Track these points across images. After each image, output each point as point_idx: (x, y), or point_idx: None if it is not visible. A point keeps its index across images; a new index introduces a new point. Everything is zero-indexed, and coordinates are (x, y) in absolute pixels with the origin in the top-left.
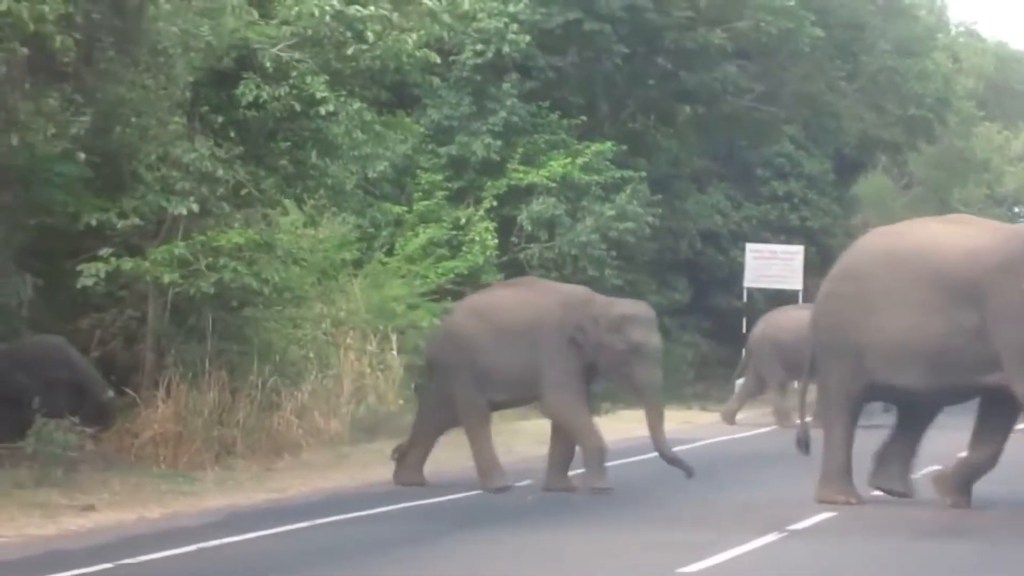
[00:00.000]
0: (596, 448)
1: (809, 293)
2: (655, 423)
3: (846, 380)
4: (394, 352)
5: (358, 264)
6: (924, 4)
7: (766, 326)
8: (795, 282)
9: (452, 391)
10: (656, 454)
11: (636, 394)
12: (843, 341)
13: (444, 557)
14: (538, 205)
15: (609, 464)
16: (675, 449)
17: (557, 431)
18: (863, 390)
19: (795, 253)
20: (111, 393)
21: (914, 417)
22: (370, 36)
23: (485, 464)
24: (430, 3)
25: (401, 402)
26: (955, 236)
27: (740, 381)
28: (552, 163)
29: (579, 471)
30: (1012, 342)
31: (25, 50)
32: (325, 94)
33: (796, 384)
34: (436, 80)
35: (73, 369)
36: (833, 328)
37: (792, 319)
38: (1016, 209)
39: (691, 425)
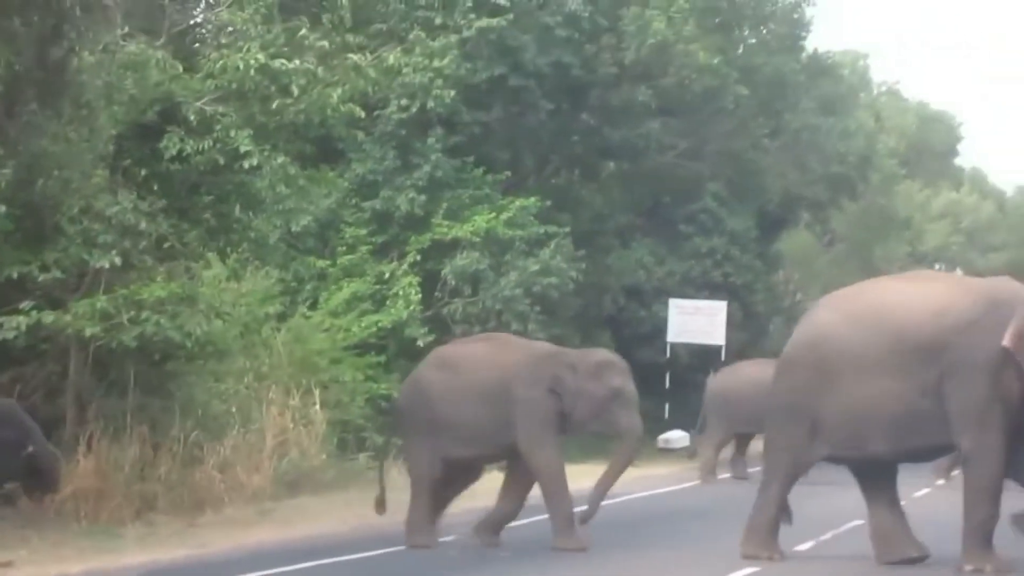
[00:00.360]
0: (568, 512)
1: (731, 348)
2: (616, 467)
3: (798, 447)
4: (317, 407)
5: (281, 318)
6: (847, 64)
7: (721, 379)
8: (718, 337)
9: (408, 439)
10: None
11: (618, 438)
12: (802, 409)
13: None
14: (462, 260)
15: (531, 520)
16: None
17: (512, 488)
18: (814, 459)
19: (718, 308)
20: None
21: (878, 480)
22: (295, 90)
23: (412, 519)
24: (356, 58)
25: (324, 457)
26: (918, 295)
27: (700, 435)
28: (476, 218)
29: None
30: (964, 398)
31: None
32: (249, 148)
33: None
34: (361, 134)
35: (21, 431)
36: (793, 393)
37: (744, 375)
38: (937, 267)
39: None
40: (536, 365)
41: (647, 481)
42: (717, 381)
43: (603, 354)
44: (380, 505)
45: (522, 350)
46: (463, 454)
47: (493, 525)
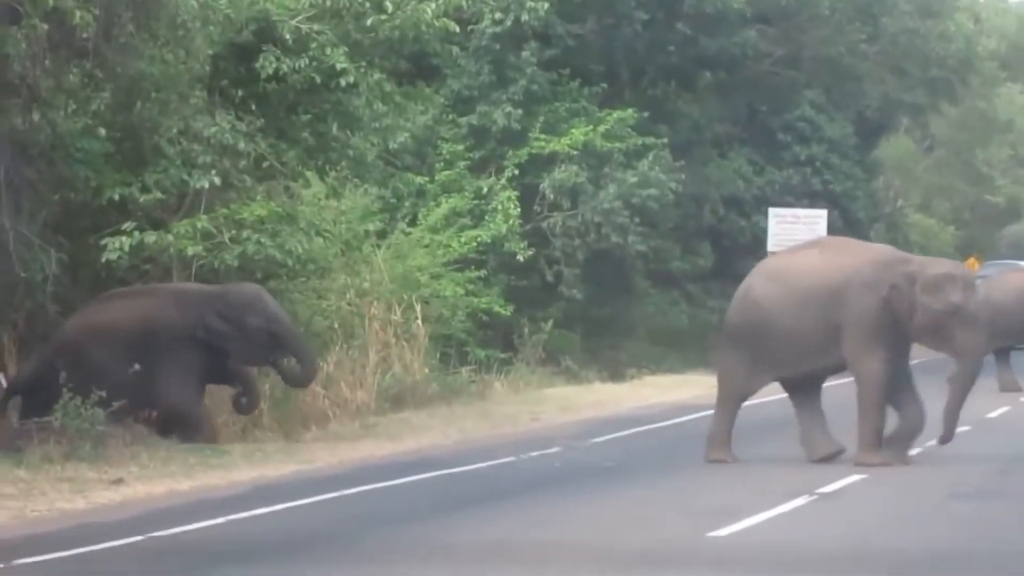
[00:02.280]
0: (878, 427)
1: None
2: (958, 390)
3: None
4: (419, 322)
5: (381, 235)
6: None
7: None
8: None
9: (729, 352)
10: (680, 420)
11: (955, 357)
12: None
13: (474, 525)
14: (560, 173)
15: (636, 430)
16: (701, 415)
17: (907, 398)
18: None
19: (818, 217)
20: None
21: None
22: (389, 6)
23: (714, 433)
24: None
25: (427, 371)
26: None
27: None
28: (574, 131)
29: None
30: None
31: (45, 26)
32: (345, 65)
33: None
34: (455, 50)
35: (270, 320)
36: None
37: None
38: None
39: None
40: (872, 271)
41: None
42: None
43: (947, 266)
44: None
45: (858, 255)
46: (796, 368)
47: (902, 440)
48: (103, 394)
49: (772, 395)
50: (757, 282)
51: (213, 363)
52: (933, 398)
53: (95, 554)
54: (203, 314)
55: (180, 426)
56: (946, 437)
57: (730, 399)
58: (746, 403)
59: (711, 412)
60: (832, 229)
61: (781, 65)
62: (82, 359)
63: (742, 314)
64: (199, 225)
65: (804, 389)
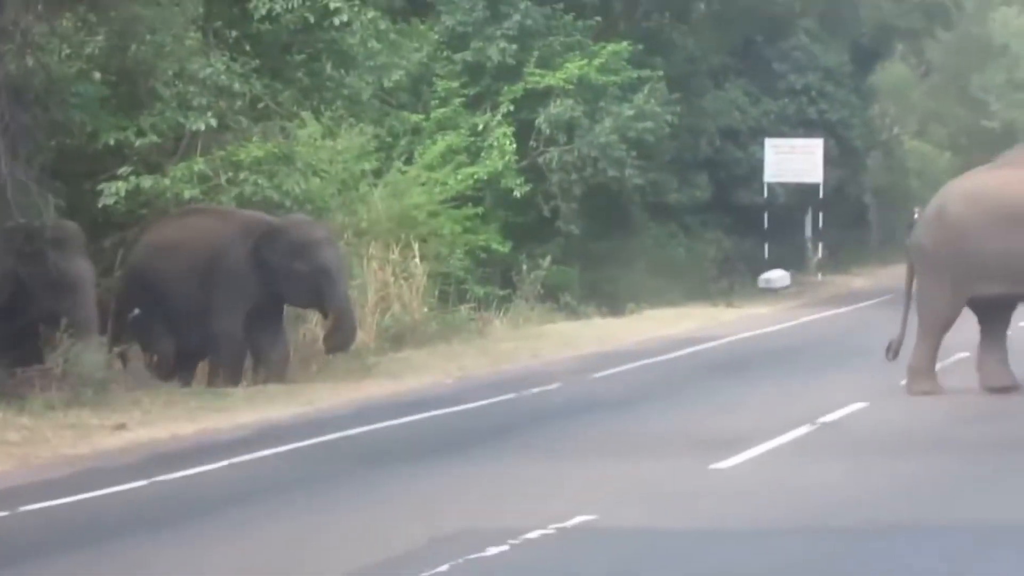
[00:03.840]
0: None
1: (829, 185)
2: None
3: None
4: (417, 260)
5: (378, 174)
6: None
7: None
8: (816, 175)
9: (925, 279)
10: (680, 353)
11: None
12: None
13: (477, 462)
14: (556, 108)
15: (636, 364)
16: (701, 347)
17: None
18: None
19: (815, 146)
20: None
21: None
22: None
23: (916, 364)
24: None
25: (426, 310)
26: None
27: None
28: (568, 65)
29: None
30: None
31: None
32: (339, 4)
33: None
34: None
35: (316, 271)
36: None
37: None
38: None
39: (717, 322)
40: None
41: (747, 322)
42: None
43: None
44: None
45: None
46: (992, 290)
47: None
48: (103, 339)
49: (761, 328)
50: (951, 204)
51: (269, 290)
52: None
53: (99, 499)
54: (260, 246)
55: (218, 354)
56: None
57: (934, 328)
58: (739, 335)
59: (710, 344)
60: (828, 158)
61: None
62: (147, 279)
63: (937, 238)
64: (196, 168)
65: (994, 315)
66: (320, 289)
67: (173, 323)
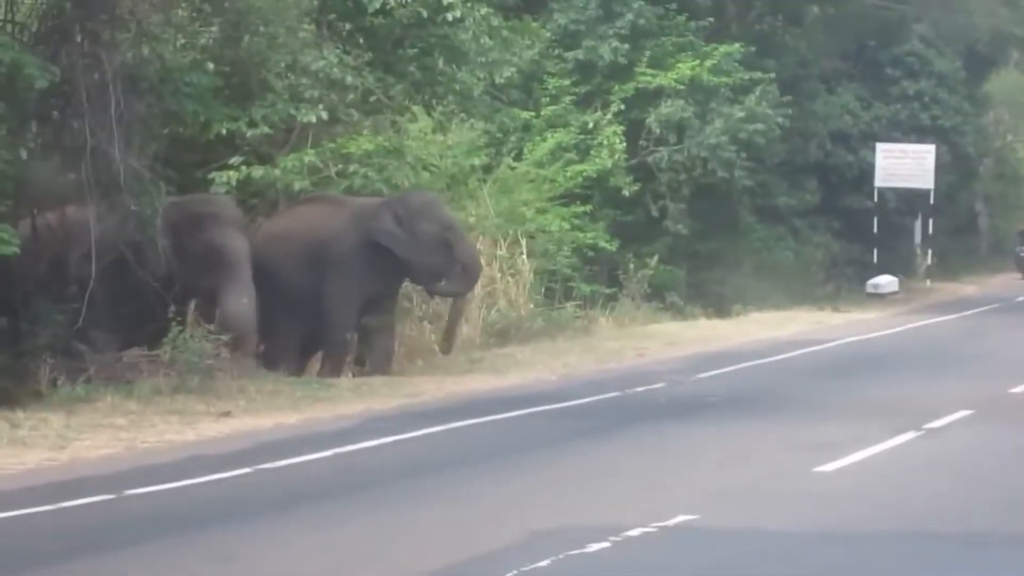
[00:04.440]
0: None
1: (941, 191)
2: None
3: None
4: (524, 257)
5: (487, 169)
6: None
7: None
8: (927, 180)
9: None
10: (786, 356)
11: None
12: None
13: (579, 458)
14: (666, 108)
15: (741, 366)
16: (807, 351)
17: None
18: None
19: (926, 152)
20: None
21: None
22: None
23: None
24: None
25: (532, 306)
26: None
27: None
28: (680, 66)
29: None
30: None
31: None
32: (452, 0)
33: None
34: None
35: (444, 227)
36: None
37: None
38: None
39: (823, 326)
40: None
41: (855, 326)
42: None
43: None
44: None
45: None
46: None
47: None
48: (211, 328)
49: (867, 333)
50: None
51: (381, 279)
52: None
53: (203, 486)
54: (379, 218)
55: (329, 345)
56: None
57: None
58: (845, 340)
59: (816, 348)
60: (940, 164)
61: None
62: (264, 267)
63: None
64: (306, 159)
65: None
66: (450, 245)
67: (288, 312)
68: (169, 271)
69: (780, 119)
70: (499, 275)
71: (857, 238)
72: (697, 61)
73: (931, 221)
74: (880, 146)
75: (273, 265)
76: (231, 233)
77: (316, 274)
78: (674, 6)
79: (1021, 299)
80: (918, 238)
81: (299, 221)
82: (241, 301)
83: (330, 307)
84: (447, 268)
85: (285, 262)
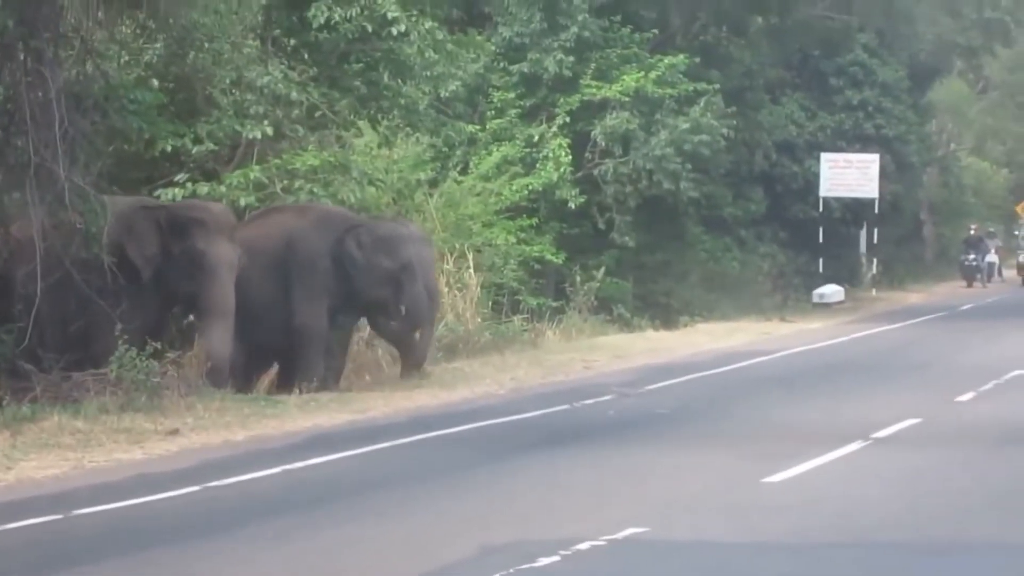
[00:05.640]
0: None
1: (885, 200)
2: None
3: None
4: (471, 270)
5: (433, 183)
6: None
7: None
8: (872, 190)
9: None
10: (733, 367)
11: None
12: None
13: (526, 474)
14: (612, 120)
15: (689, 377)
16: (754, 361)
17: None
18: None
19: (871, 161)
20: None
21: None
22: None
23: None
24: None
25: (479, 320)
26: None
27: None
28: (625, 77)
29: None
30: None
31: None
32: (396, 14)
33: None
34: None
35: (401, 268)
36: None
37: None
38: None
39: (770, 336)
40: None
41: (801, 337)
42: None
43: None
44: None
45: None
46: None
47: None
48: (158, 345)
49: (814, 343)
50: None
51: (344, 293)
52: None
53: (152, 504)
54: (345, 241)
55: (300, 348)
56: None
57: None
58: (792, 350)
59: (763, 358)
60: (885, 173)
61: (833, 9)
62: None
63: None
64: (252, 175)
65: None
66: (399, 284)
67: (247, 323)
68: (116, 288)
69: (725, 130)
70: (446, 289)
71: (803, 248)
72: (642, 73)
73: (876, 230)
74: (825, 156)
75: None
76: (217, 240)
77: (280, 280)
78: (619, 18)
79: (966, 307)
80: (863, 247)
81: (260, 229)
82: (223, 338)
83: (301, 311)
84: (392, 306)
85: (246, 271)
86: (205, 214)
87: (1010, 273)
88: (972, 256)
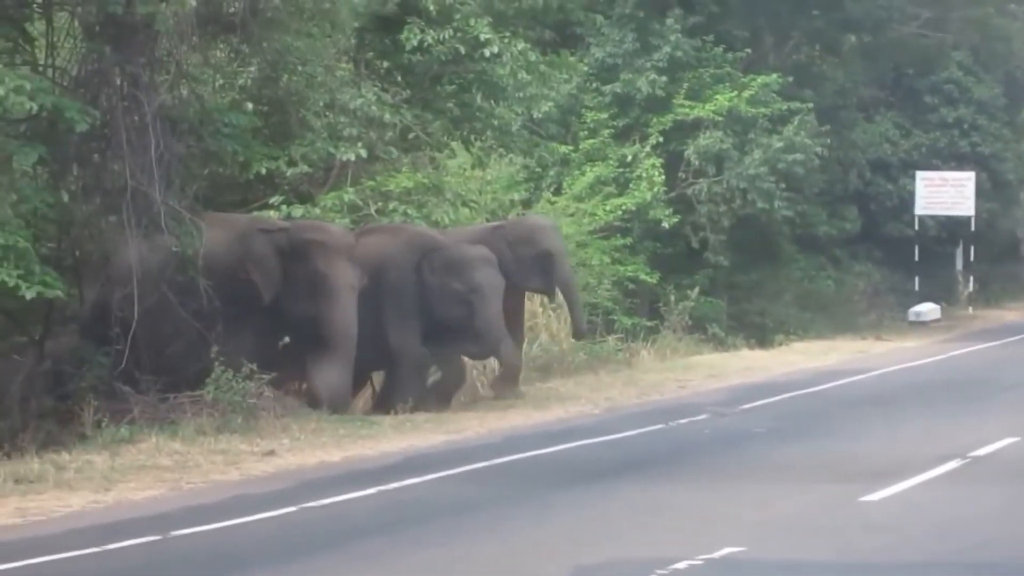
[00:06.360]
0: None
1: (981, 218)
2: None
3: None
4: None
5: (526, 204)
6: None
7: None
8: (967, 208)
9: None
10: (829, 385)
11: None
12: None
13: (620, 494)
14: (705, 139)
15: (784, 396)
16: (850, 380)
17: None
18: None
19: (966, 179)
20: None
21: None
22: None
23: None
24: None
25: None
26: None
27: None
28: (718, 97)
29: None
30: None
31: (193, 2)
32: (489, 36)
33: None
34: (599, 18)
35: (471, 290)
36: None
37: None
38: None
39: (865, 355)
40: None
41: (898, 355)
42: None
43: None
44: None
45: None
46: None
47: None
48: (254, 367)
49: (910, 361)
50: None
51: (425, 314)
52: None
53: (249, 525)
54: (421, 261)
55: (395, 368)
56: None
57: None
58: (888, 368)
59: (859, 377)
60: (980, 191)
61: (928, 27)
62: None
63: None
64: (346, 198)
65: None
66: (472, 307)
67: None
68: (211, 310)
69: (819, 149)
70: (540, 309)
71: (898, 266)
72: (735, 92)
73: (972, 248)
74: (920, 174)
75: None
76: (337, 262)
77: (371, 301)
78: (711, 38)
79: None
80: (959, 265)
81: (359, 250)
82: (346, 366)
83: (395, 332)
84: (465, 328)
85: None
86: (325, 235)
87: None
88: None
